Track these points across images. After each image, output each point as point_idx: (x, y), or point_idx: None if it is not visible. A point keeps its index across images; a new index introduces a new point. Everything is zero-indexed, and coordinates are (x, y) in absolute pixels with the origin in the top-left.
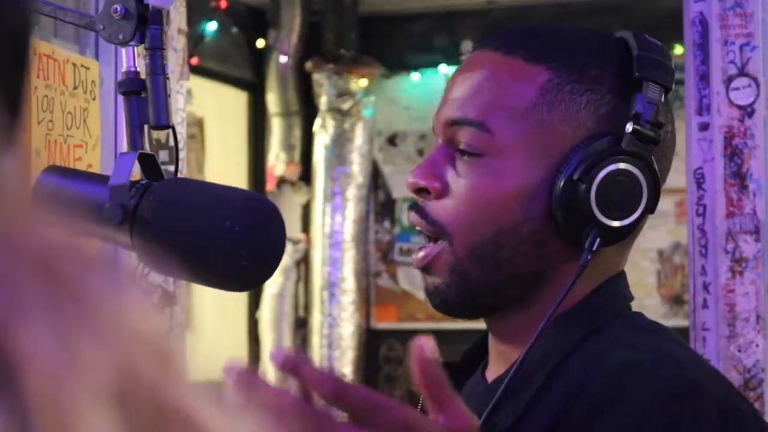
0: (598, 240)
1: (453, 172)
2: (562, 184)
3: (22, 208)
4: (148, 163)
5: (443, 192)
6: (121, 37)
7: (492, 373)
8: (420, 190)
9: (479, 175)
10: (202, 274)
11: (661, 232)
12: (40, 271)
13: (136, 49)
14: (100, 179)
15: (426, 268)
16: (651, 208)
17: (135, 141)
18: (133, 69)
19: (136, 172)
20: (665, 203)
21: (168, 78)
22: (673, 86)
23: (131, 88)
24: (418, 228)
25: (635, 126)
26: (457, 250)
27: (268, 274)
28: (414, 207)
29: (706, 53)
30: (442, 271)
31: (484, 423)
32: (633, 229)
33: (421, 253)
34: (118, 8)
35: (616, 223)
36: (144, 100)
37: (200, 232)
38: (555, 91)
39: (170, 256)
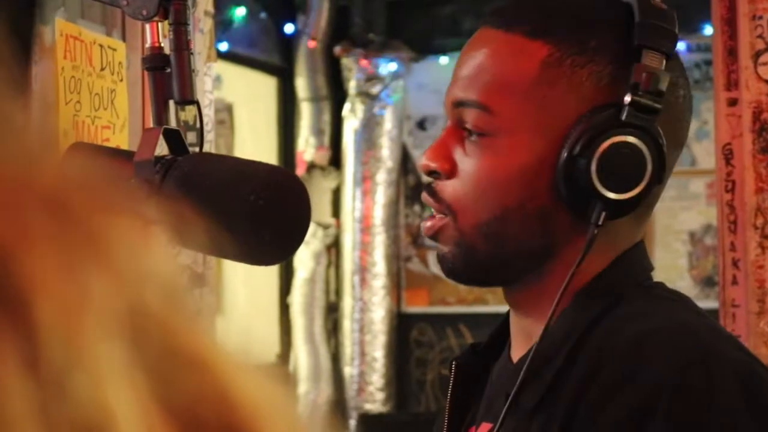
0: (603, 214)
1: (462, 152)
2: (563, 159)
3: (37, 148)
4: (174, 139)
5: (452, 172)
6: (144, 12)
7: (516, 352)
8: (431, 172)
9: (485, 155)
10: (226, 249)
11: (692, 213)
12: (52, 206)
13: (160, 25)
14: (126, 155)
15: (434, 237)
16: (658, 178)
17: (160, 117)
18: (157, 45)
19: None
20: (696, 185)
21: (192, 54)
22: (704, 66)
23: (155, 63)
24: (431, 208)
25: (633, 97)
26: (462, 227)
27: (293, 249)
28: (426, 188)
29: (733, 28)
30: (449, 241)
31: (511, 404)
32: (641, 201)
33: (428, 223)
34: None
35: (620, 196)
36: (168, 75)
37: (225, 206)
38: (556, 66)
39: (195, 230)
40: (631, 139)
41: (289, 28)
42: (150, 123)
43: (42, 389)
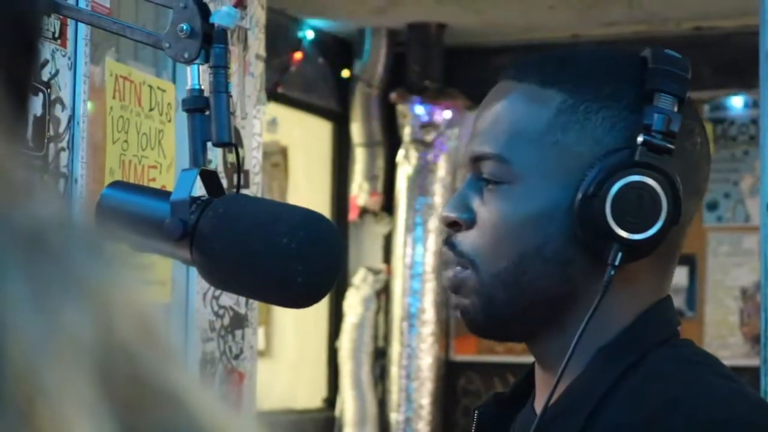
0: (620, 255)
1: (480, 202)
2: (578, 201)
3: (19, 189)
4: (210, 180)
5: (472, 223)
6: (186, 55)
7: (539, 403)
8: (452, 224)
9: (501, 203)
10: (258, 290)
11: (744, 270)
12: (27, 242)
13: (201, 67)
14: (163, 195)
15: (456, 290)
16: (674, 219)
17: (197, 158)
18: (197, 87)
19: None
20: (750, 241)
21: (231, 96)
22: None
23: (194, 105)
24: (448, 261)
25: (645, 137)
26: (482, 277)
27: (324, 292)
28: (445, 241)
29: None
30: (469, 292)
31: None
32: (658, 243)
33: (450, 273)
34: (184, 27)
35: (636, 236)
36: (207, 117)
37: (257, 248)
38: (569, 112)
39: (228, 271)
40: (644, 178)
41: (345, 74)
42: None
43: (6, 421)
